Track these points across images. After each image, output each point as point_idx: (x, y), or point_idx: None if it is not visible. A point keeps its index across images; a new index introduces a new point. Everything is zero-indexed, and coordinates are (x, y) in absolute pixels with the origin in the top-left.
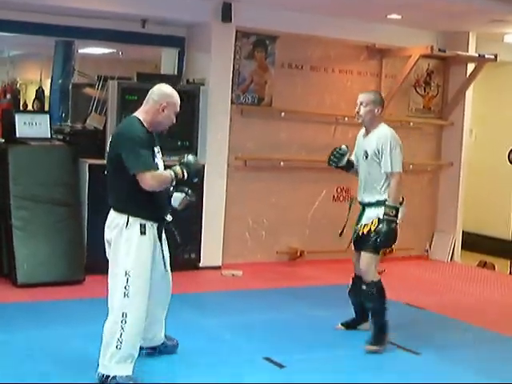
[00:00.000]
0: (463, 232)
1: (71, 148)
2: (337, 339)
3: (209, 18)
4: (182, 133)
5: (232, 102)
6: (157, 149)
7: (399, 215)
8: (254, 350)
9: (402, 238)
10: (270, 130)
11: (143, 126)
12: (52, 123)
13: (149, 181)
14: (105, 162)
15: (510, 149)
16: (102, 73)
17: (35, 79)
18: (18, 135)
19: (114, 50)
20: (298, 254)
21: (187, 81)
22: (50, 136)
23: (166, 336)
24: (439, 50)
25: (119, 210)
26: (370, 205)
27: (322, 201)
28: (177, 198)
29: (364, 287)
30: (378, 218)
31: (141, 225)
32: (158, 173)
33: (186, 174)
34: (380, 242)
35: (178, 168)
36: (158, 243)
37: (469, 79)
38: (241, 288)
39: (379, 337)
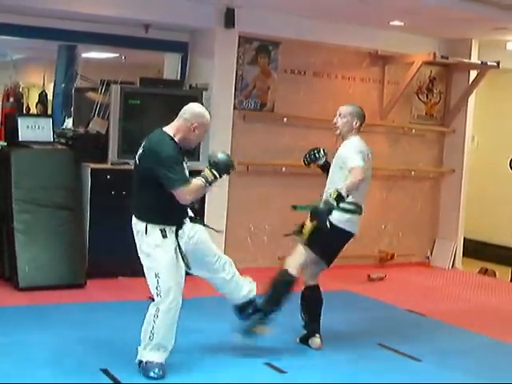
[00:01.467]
0: (465, 239)
1: (73, 152)
2: (338, 345)
3: (212, 23)
4: None
5: (234, 108)
6: (185, 162)
7: (355, 226)
8: (255, 355)
9: (404, 244)
10: (272, 135)
11: (174, 141)
12: (54, 127)
13: (185, 196)
14: (107, 166)
15: None
16: (105, 77)
17: (38, 83)
18: (20, 139)
19: (117, 55)
20: None
21: (190, 86)
22: (52, 140)
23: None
24: (442, 56)
25: (138, 217)
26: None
27: None
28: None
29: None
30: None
31: (161, 230)
32: (191, 186)
33: (216, 174)
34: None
35: (207, 172)
36: (177, 244)
37: (471, 86)
38: None
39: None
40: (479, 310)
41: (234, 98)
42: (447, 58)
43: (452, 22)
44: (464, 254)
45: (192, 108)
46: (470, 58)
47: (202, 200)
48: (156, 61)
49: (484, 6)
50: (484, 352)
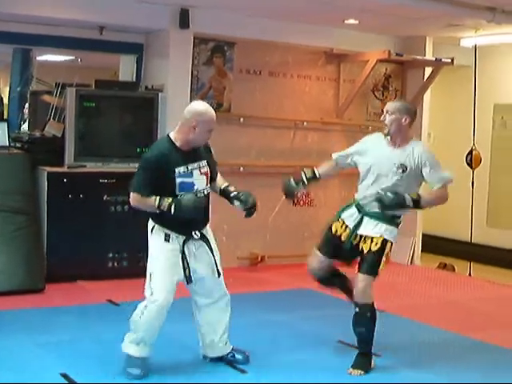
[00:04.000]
0: (423, 234)
1: (29, 156)
2: (298, 344)
3: (166, 24)
4: (141, 139)
5: None
6: (192, 165)
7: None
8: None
9: None
10: (229, 135)
11: (172, 144)
12: (10, 131)
13: (132, 201)
14: (63, 169)
15: (468, 151)
16: (61, 80)
17: None
18: None
19: (73, 57)
20: (259, 259)
21: (146, 87)
22: (7, 144)
23: (234, 348)
24: (396, 54)
25: (151, 216)
26: (385, 219)
27: (283, 206)
28: (238, 207)
29: (357, 309)
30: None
31: (165, 234)
32: (143, 198)
33: (172, 210)
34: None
35: (167, 202)
36: (180, 254)
37: (426, 83)
38: None
39: (363, 361)
40: (438, 305)
41: (190, 99)
42: (402, 56)
43: (406, 20)
44: (422, 250)
45: (192, 106)
46: (424, 55)
47: None
48: (112, 63)
49: (437, 3)
50: (442, 346)
